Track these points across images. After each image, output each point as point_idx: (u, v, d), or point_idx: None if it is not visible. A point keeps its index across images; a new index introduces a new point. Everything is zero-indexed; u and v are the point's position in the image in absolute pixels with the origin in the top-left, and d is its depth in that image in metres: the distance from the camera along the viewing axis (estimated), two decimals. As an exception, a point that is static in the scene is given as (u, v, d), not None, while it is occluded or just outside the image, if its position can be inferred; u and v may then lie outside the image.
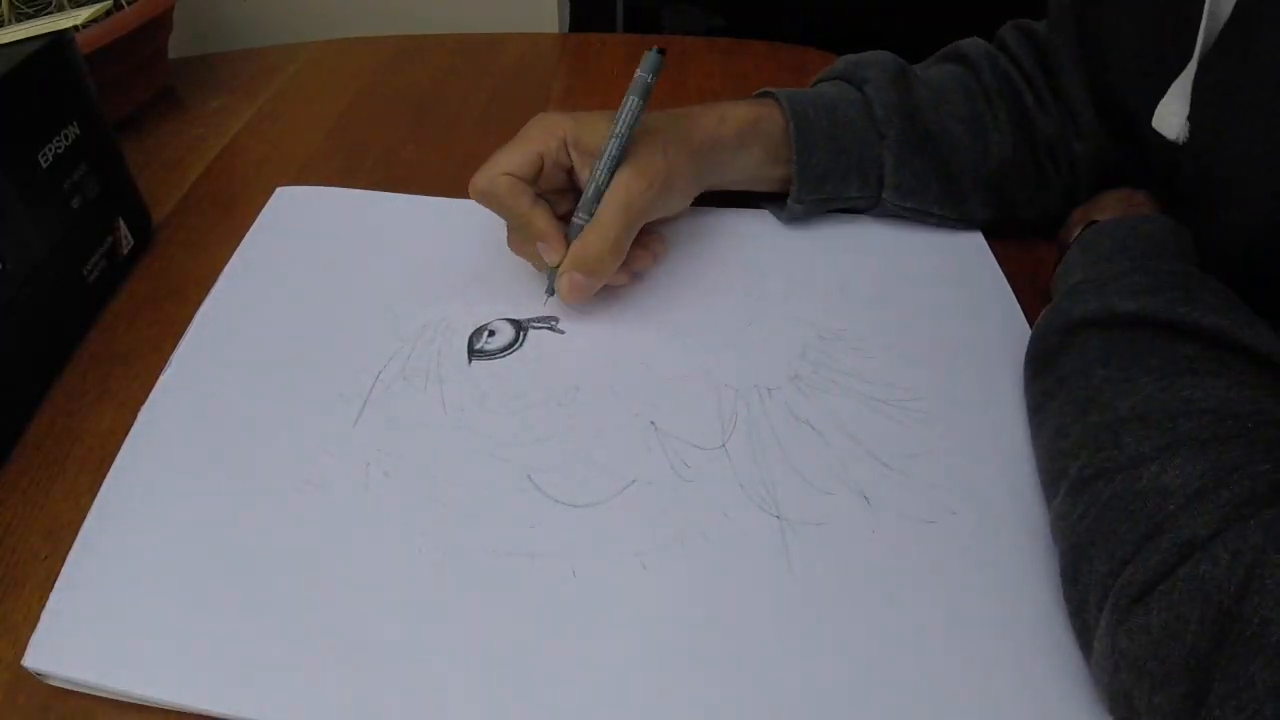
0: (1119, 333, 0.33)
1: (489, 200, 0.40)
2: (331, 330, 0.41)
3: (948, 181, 0.46)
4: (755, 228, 0.48)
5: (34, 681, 0.29)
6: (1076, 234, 0.41)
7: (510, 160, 0.39)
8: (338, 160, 0.56)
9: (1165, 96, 0.36)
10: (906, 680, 0.28)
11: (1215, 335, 0.31)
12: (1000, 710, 0.28)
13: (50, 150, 0.39)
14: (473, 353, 0.40)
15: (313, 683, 0.28)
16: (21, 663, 0.28)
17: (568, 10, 0.83)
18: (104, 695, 0.28)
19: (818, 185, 0.46)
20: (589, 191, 0.39)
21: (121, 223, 0.45)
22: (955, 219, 0.47)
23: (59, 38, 0.40)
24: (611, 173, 0.39)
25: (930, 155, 0.46)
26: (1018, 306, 0.43)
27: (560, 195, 0.42)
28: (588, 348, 0.40)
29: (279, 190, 0.50)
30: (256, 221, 0.47)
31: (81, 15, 0.51)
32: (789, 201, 0.46)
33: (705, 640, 0.29)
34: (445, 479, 0.34)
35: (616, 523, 0.33)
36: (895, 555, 0.32)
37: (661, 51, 0.38)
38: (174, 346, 0.39)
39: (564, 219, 0.41)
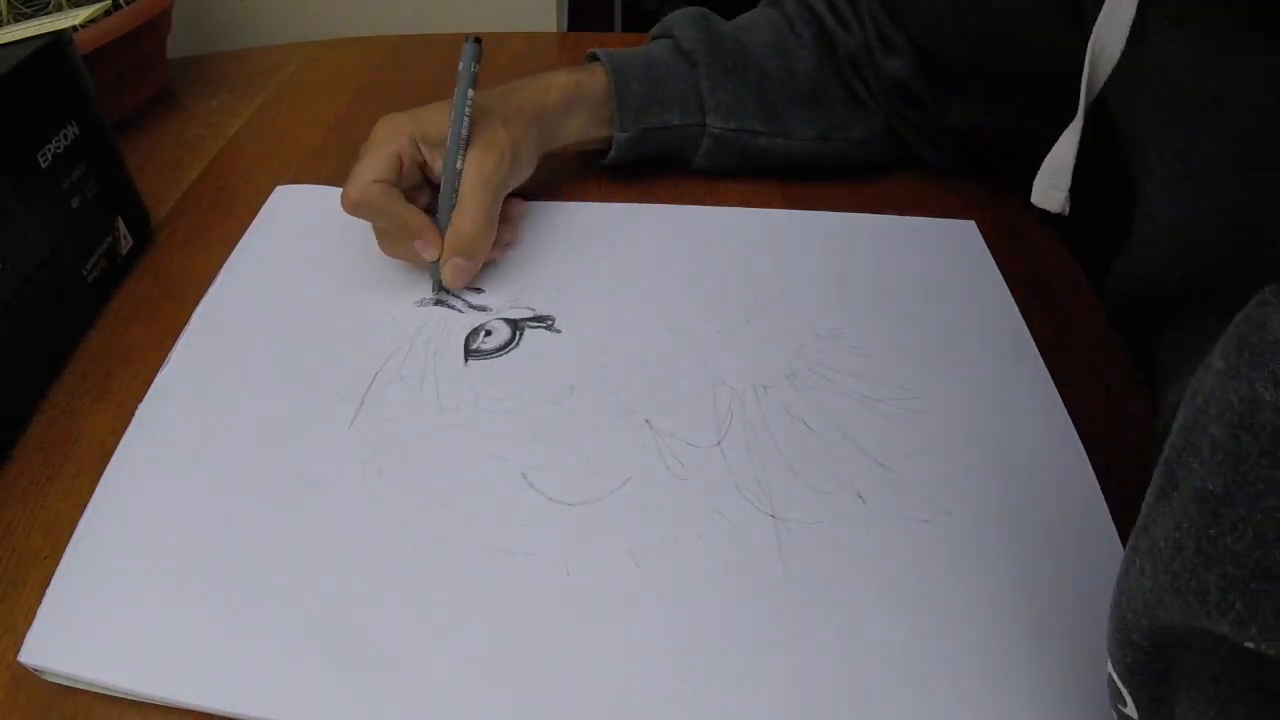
0: None
1: (365, 211, 0.41)
2: (328, 330, 0.41)
3: (763, 99, 0.50)
4: (752, 226, 0.48)
5: (35, 681, 0.29)
6: None
7: (375, 168, 0.40)
8: (337, 160, 0.56)
9: (1041, 170, 0.34)
10: (901, 680, 0.28)
11: None
12: (995, 709, 0.28)
13: (49, 150, 0.39)
14: (469, 353, 0.40)
15: (307, 679, 0.28)
16: (17, 658, 0.28)
17: (566, 10, 0.83)
18: (100, 691, 0.28)
19: (639, 115, 0.48)
20: (445, 180, 0.41)
21: (121, 222, 0.45)
22: (782, 136, 0.50)
23: (58, 38, 0.40)
24: (460, 158, 0.41)
25: (741, 77, 0.49)
26: (1014, 305, 0.43)
27: (418, 191, 0.44)
28: (584, 347, 0.40)
29: (278, 189, 0.50)
30: (255, 220, 0.47)
31: (80, 15, 0.52)
32: (615, 133, 0.49)
33: (699, 639, 0.29)
34: (441, 478, 0.34)
35: (611, 521, 0.33)
36: (890, 554, 0.32)
37: (478, 41, 0.41)
38: (173, 346, 0.40)
39: (425, 210, 0.43)
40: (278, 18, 0.80)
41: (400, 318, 0.41)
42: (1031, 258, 0.48)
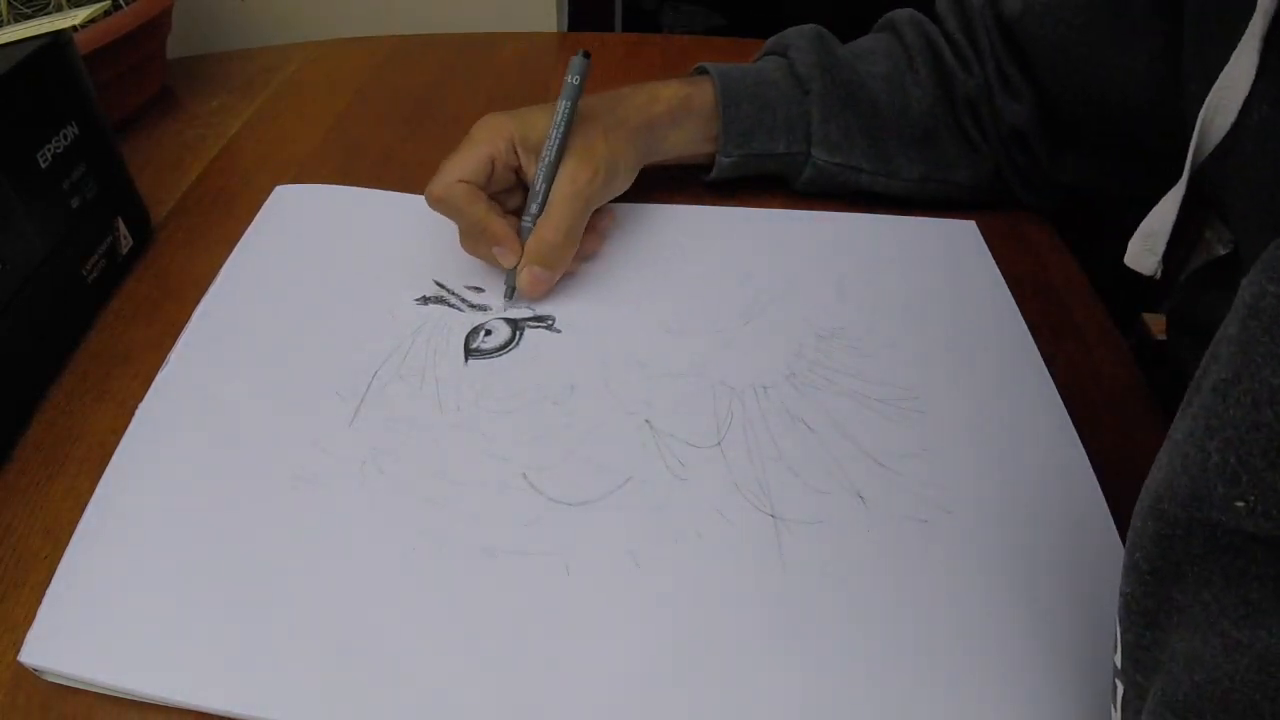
0: None
1: (445, 209, 0.41)
2: (329, 329, 0.41)
3: (872, 136, 0.48)
4: (753, 226, 0.48)
5: (35, 681, 0.29)
6: None
7: (464, 167, 0.40)
8: (336, 159, 0.56)
9: (1138, 233, 0.33)
10: (900, 679, 0.28)
11: None
12: (995, 709, 0.28)
13: (49, 150, 0.39)
14: (469, 352, 0.40)
15: (307, 679, 0.28)
16: (17, 658, 0.28)
17: (566, 10, 0.83)
18: (100, 691, 0.28)
19: (744, 139, 0.48)
20: (535, 189, 0.41)
21: (121, 222, 0.45)
22: (885, 175, 0.49)
23: (58, 38, 0.40)
24: (554, 171, 0.41)
25: (854, 110, 0.48)
26: (1014, 305, 0.43)
27: (509, 193, 0.44)
28: (584, 346, 0.40)
29: (278, 189, 0.50)
30: (255, 220, 0.47)
31: (80, 15, 0.52)
32: (717, 156, 0.48)
33: (698, 638, 0.29)
34: (441, 477, 0.34)
35: (611, 521, 0.33)
36: (890, 554, 0.32)
37: (587, 55, 0.41)
38: (173, 346, 0.40)
39: (513, 214, 0.42)
40: (278, 18, 0.80)
41: (400, 317, 0.41)
42: (1032, 258, 0.48)
